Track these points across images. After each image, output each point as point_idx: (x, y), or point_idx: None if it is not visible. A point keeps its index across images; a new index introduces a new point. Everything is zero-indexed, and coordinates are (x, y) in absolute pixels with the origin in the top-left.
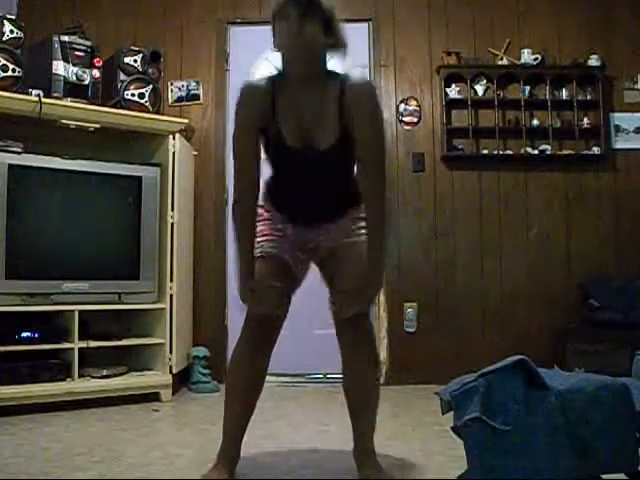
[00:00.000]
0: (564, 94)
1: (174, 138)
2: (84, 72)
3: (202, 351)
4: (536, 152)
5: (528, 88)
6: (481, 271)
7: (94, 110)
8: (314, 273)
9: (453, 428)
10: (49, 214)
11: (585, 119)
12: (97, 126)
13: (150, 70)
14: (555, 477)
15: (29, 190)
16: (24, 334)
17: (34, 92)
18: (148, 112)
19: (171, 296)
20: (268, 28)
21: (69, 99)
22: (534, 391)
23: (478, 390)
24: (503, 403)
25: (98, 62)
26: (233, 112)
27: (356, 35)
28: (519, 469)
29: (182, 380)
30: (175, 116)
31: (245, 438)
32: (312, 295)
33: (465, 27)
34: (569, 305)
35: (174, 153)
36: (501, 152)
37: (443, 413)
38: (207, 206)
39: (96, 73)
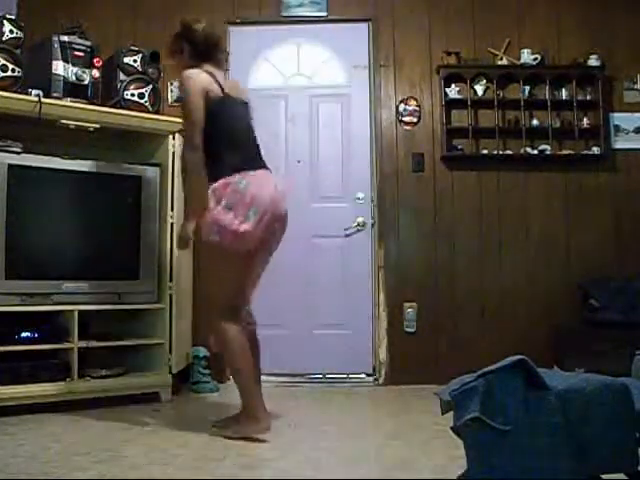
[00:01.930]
0: (564, 94)
1: (174, 138)
2: (84, 72)
3: (202, 351)
4: (536, 152)
5: (528, 88)
6: (481, 271)
7: (94, 110)
8: (311, 276)
9: (453, 428)
10: (49, 214)
11: (585, 119)
12: (97, 126)
13: (150, 70)
14: (555, 477)
15: (29, 190)
16: (24, 334)
17: (34, 92)
18: (148, 112)
19: (171, 296)
20: (268, 28)
21: (69, 99)
22: (534, 391)
23: (478, 390)
24: (503, 403)
25: (98, 62)
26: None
27: (356, 35)
28: (519, 469)
29: (182, 380)
30: (175, 116)
31: (244, 437)
32: (311, 296)
33: (465, 27)
34: (569, 305)
35: (174, 153)
36: (501, 152)
37: (443, 413)
38: None
39: (96, 73)
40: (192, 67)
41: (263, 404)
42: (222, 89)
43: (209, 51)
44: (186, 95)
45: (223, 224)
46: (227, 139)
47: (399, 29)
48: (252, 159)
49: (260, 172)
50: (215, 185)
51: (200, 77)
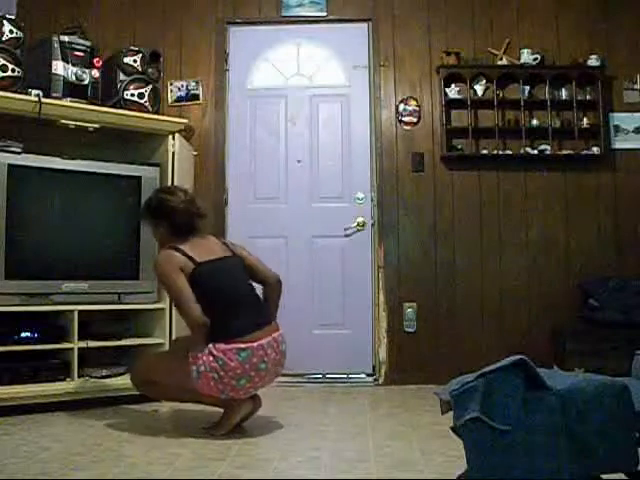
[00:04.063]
0: (564, 94)
1: (174, 138)
2: (84, 72)
3: None
4: (536, 152)
5: (528, 88)
6: (481, 271)
7: (93, 110)
8: (311, 276)
9: (453, 428)
10: (49, 214)
11: (585, 119)
12: (97, 126)
13: (150, 70)
14: (554, 477)
15: (29, 190)
16: (24, 334)
17: (34, 92)
18: (148, 112)
19: None
20: (268, 28)
21: (69, 99)
22: (534, 391)
23: (478, 390)
24: (503, 403)
25: (98, 62)
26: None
27: (356, 35)
28: (519, 469)
29: None
30: (174, 116)
31: (244, 437)
32: (311, 296)
33: (465, 27)
34: (569, 305)
35: (174, 153)
36: (501, 152)
37: (443, 413)
38: (206, 206)
39: (95, 73)
40: (169, 242)
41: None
42: (194, 260)
43: (190, 225)
44: (165, 280)
45: (208, 374)
46: (216, 307)
47: (399, 29)
48: (251, 320)
49: (263, 341)
50: (216, 347)
51: (172, 259)
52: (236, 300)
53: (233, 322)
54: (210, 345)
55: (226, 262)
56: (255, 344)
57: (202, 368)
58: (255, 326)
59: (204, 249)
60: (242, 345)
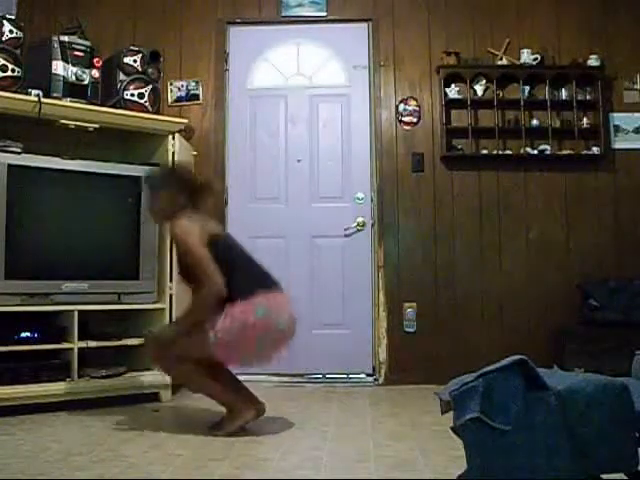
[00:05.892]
0: (563, 94)
1: (173, 138)
2: (83, 72)
3: None
4: (535, 152)
5: (527, 88)
6: (481, 271)
7: (93, 110)
8: (311, 276)
9: (453, 428)
10: (49, 214)
11: (585, 119)
12: (96, 126)
13: (150, 70)
14: (555, 477)
15: (29, 190)
16: (24, 334)
17: (34, 92)
18: (147, 112)
19: (171, 296)
20: (268, 28)
21: (68, 99)
22: (534, 391)
23: (478, 390)
24: (503, 403)
25: (97, 62)
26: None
27: (356, 35)
28: (519, 469)
29: None
30: (174, 116)
31: (244, 437)
32: (311, 296)
33: (465, 27)
34: (569, 305)
35: (174, 153)
36: (500, 152)
37: (443, 413)
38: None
39: (95, 73)
40: (179, 211)
41: (245, 396)
42: (207, 231)
43: (204, 202)
44: (187, 247)
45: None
46: (230, 271)
47: (399, 29)
48: (262, 280)
49: (278, 299)
50: (234, 309)
51: (192, 227)
52: (247, 265)
53: (247, 282)
54: (228, 308)
55: (231, 237)
56: (270, 301)
57: (221, 334)
58: (269, 284)
59: (213, 225)
60: (258, 300)
